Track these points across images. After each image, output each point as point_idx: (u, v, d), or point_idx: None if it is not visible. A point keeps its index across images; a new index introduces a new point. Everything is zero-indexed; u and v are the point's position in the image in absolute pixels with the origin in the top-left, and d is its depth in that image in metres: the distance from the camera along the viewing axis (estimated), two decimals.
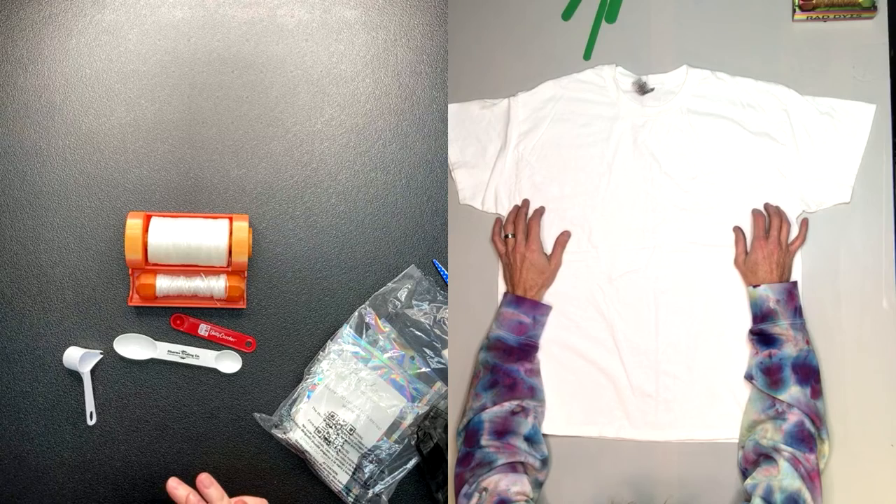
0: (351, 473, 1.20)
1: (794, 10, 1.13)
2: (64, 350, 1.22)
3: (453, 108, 1.22)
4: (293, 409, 1.21)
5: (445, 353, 1.24)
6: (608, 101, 1.17)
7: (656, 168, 1.14)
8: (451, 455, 1.15)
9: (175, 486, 1.08)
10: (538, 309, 1.13)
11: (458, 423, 1.12)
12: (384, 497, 1.22)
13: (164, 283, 1.20)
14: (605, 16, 1.19)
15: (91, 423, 1.23)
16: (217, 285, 1.21)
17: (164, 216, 1.21)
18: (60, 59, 1.25)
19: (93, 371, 1.23)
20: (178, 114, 1.26)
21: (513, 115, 1.19)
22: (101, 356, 1.23)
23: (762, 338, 1.07)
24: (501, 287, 1.17)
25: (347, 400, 1.21)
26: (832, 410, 1.08)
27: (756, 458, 1.05)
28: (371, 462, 1.21)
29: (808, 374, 1.05)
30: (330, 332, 1.26)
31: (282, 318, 1.26)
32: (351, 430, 1.20)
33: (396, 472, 1.22)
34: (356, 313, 1.26)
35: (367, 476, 1.21)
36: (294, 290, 1.27)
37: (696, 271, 1.13)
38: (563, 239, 1.16)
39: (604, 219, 1.15)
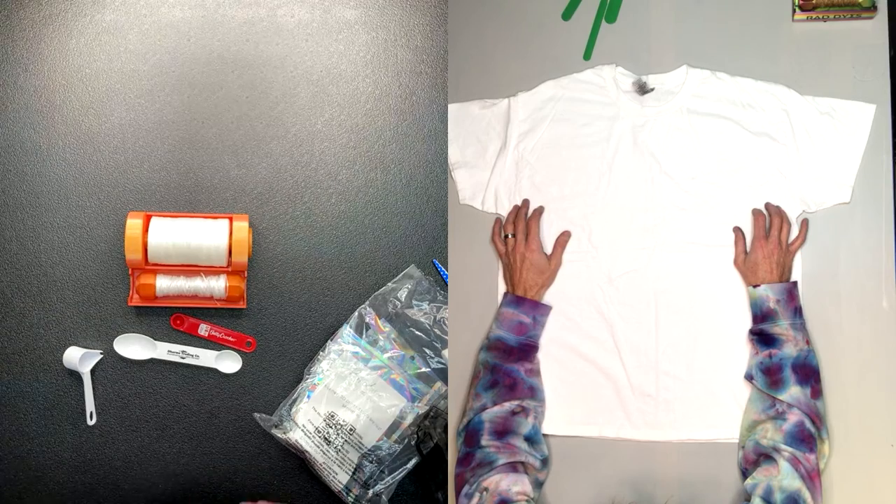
0: (351, 473, 1.20)
1: (794, 10, 1.13)
2: (64, 350, 1.22)
3: (453, 108, 1.22)
4: (293, 409, 1.21)
5: (445, 353, 1.24)
6: (608, 101, 1.17)
7: (656, 168, 1.14)
8: (451, 455, 1.15)
9: None
10: (538, 309, 1.13)
11: (458, 423, 1.12)
12: (384, 497, 1.22)
13: (164, 283, 1.20)
14: (605, 16, 1.19)
15: (91, 423, 1.23)
16: (217, 285, 1.21)
17: (164, 216, 1.21)
18: (60, 59, 1.25)
19: (93, 371, 1.23)
20: (178, 114, 1.26)
21: (513, 115, 1.19)
22: (101, 356, 1.23)
23: (762, 338, 1.07)
24: (501, 287, 1.17)
25: (347, 400, 1.21)
26: (832, 410, 1.08)
27: (756, 458, 1.05)
28: (371, 462, 1.21)
29: (808, 374, 1.05)
30: (330, 332, 1.26)
31: (282, 318, 1.26)
32: (351, 430, 1.20)
33: (396, 472, 1.22)
34: (356, 313, 1.26)
35: (367, 476, 1.21)
36: (294, 290, 1.27)
37: (696, 271, 1.13)
38: (563, 239, 1.15)
39: (604, 219, 1.15)
